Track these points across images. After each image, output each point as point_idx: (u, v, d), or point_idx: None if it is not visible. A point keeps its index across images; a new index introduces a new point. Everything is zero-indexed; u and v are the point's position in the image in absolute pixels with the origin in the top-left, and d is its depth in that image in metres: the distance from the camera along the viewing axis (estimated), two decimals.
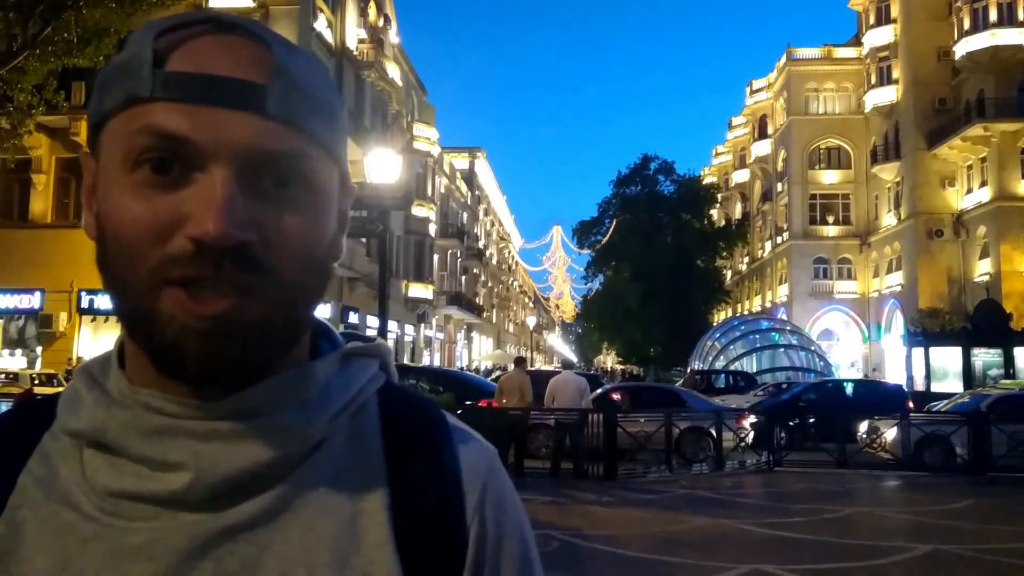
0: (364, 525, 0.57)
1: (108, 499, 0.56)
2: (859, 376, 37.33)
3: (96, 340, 22.97)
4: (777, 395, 20.02)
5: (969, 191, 37.36)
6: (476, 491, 0.62)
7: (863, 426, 14.25)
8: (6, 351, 23.59)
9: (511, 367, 14.34)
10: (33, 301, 22.72)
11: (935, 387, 25.14)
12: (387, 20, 34.96)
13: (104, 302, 22.37)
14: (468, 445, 0.64)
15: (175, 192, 0.53)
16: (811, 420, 14.83)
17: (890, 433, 13.60)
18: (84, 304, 22.60)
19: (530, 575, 0.63)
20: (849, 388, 19.40)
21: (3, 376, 19.57)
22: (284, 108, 0.55)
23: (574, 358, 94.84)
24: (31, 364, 22.69)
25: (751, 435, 13.62)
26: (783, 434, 14.33)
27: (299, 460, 0.58)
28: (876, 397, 17.40)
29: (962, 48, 36.31)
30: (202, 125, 0.52)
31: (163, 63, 0.53)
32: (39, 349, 22.95)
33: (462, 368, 40.73)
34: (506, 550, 0.62)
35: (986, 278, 34.38)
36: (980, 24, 35.57)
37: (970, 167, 37.31)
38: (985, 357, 26.09)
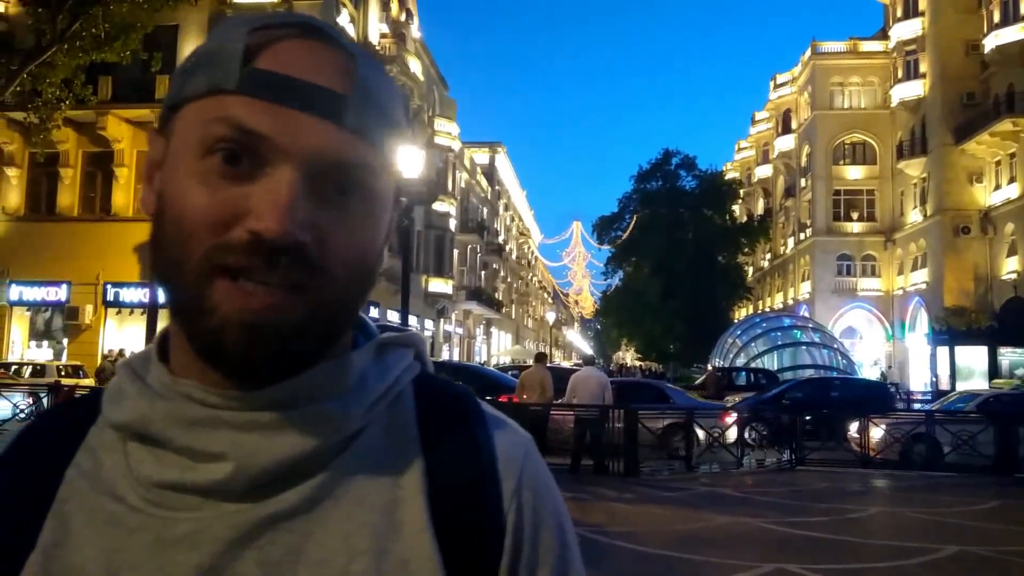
0: (403, 512, 0.58)
1: (153, 490, 0.57)
2: (877, 375, 36.94)
3: (121, 332, 23.28)
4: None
5: (997, 187, 36.79)
6: (513, 477, 0.62)
7: (854, 425, 13.89)
8: (33, 343, 23.99)
9: (530, 362, 14.34)
10: (60, 294, 23.05)
11: (960, 386, 24.82)
12: (409, 14, 35.03)
13: (129, 295, 22.67)
14: (504, 432, 0.64)
15: (242, 185, 0.54)
16: (808, 418, 14.23)
17: (876, 431, 13.30)
18: (110, 297, 22.90)
19: (568, 560, 0.63)
20: (835, 386, 19.15)
21: (29, 367, 19.91)
22: (360, 121, 0.56)
23: (591, 353, 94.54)
24: (57, 356, 23.05)
25: (734, 432, 13.26)
26: (765, 432, 13.72)
27: (338, 449, 0.59)
28: (862, 395, 17.15)
29: (992, 41, 35.71)
30: (280, 125, 0.54)
31: (251, 59, 0.55)
32: (65, 341, 23.31)
33: (482, 363, 40.83)
34: (543, 536, 0.62)
35: (1013, 276, 33.84)
36: (1011, 17, 34.94)
37: (998, 163, 36.72)
38: (1012, 356, 25.75)
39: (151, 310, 10.47)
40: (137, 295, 22.24)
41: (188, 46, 23.83)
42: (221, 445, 0.56)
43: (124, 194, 23.60)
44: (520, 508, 0.61)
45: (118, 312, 23.25)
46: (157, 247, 0.57)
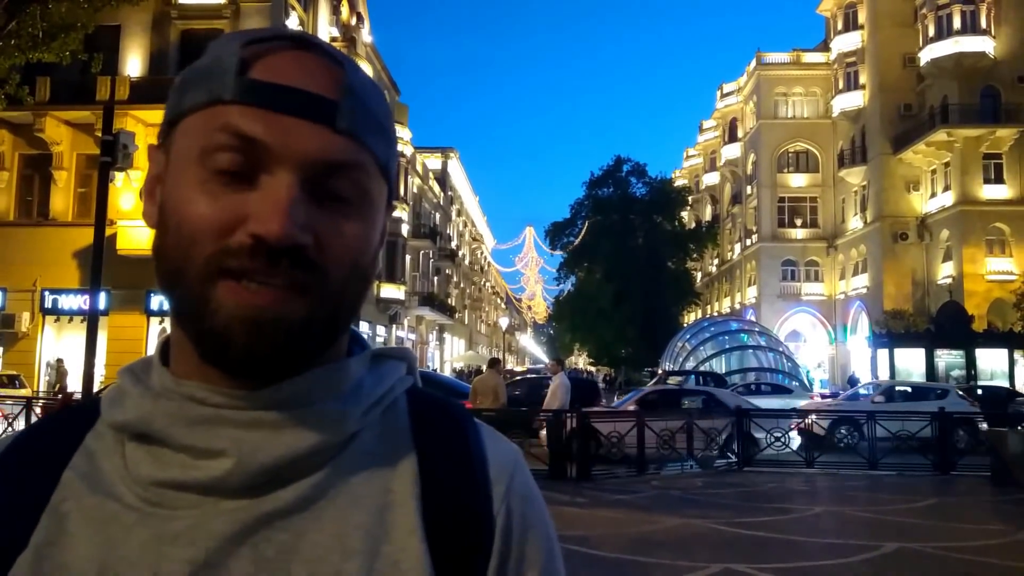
0: (394, 514, 0.60)
1: (151, 489, 0.58)
2: (817, 376, 37.81)
3: (60, 341, 22.50)
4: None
5: (933, 195, 38.16)
6: (503, 483, 0.64)
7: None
8: None
9: (484, 368, 14.26)
10: None
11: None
12: (360, 18, 34.76)
13: (68, 302, 21.93)
14: (494, 441, 0.67)
15: (242, 192, 0.56)
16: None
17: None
18: (48, 304, 22.12)
19: (554, 567, 0.66)
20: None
21: None
22: (351, 124, 0.59)
23: (545, 359, 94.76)
24: None
25: None
26: None
27: (335, 450, 0.60)
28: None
29: (927, 55, 37.08)
30: (275, 131, 0.56)
31: (246, 70, 0.58)
32: (0, 350, 22.42)
33: (434, 370, 40.63)
34: (531, 541, 0.64)
35: (949, 280, 35.13)
36: (944, 31, 36.34)
37: (934, 172, 38.10)
38: (948, 358, 26.64)
39: (91, 317, 10.16)
40: (76, 302, 21.50)
41: (130, 47, 23.25)
42: (222, 442, 0.57)
43: (63, 198, 22.85)
44: (509, 513, 0.63)
45: (56, 320, 22.47)
46: (160, 256, 0.59)
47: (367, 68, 32.84)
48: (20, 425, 13.19)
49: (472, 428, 0.67)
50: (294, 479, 0.58)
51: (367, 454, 0.62)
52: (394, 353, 0.69)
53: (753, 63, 50.63)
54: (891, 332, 29.94)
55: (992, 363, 26.15)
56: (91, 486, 0.59)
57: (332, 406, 0.60)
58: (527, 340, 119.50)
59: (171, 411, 0.59)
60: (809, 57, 49.36)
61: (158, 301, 21.53)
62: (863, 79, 42.92)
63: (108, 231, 11.75)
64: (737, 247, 54.91)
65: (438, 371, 34.34)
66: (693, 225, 54.62)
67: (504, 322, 58.12)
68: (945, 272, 36.10)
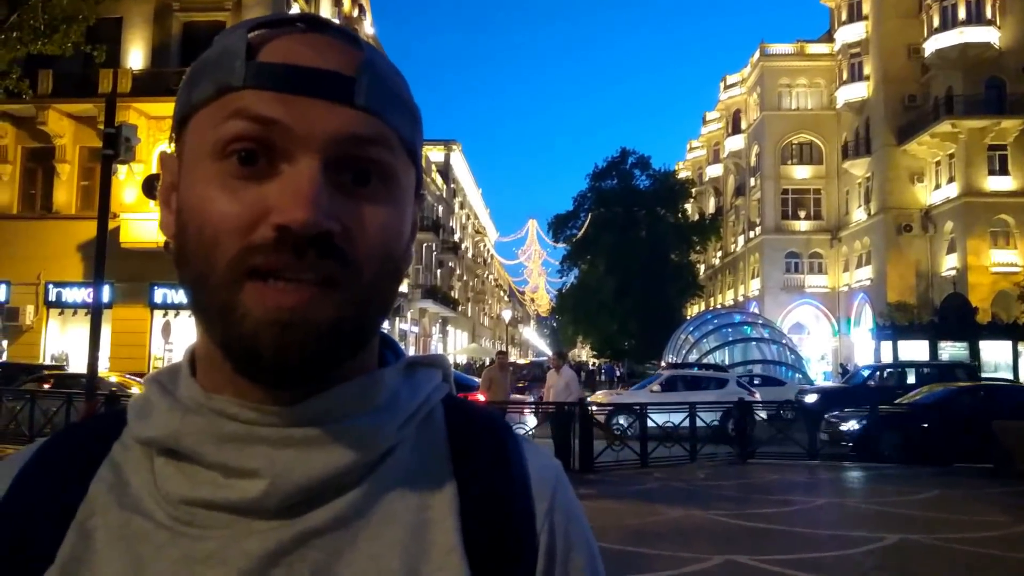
0: (433, 532, 0.57)
1: (181, 507, 0.56)
2: (823, 369, 37.72)
3: (65, 334, 22.58)
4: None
5: (937, 187, 38.03)
6: (546, 499, 0.61)
7: None
8: None
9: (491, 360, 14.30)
10: None
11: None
12: (362, 10, 34.67)
13: (72, 295, 22.00)
14: (535, 455, 0.64)
15: (261, 184, 0.53)
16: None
17: None
18: (52, 297, 22.20)
19: None
20: None
21: None
22: (370, 100, 0.55)
23: (548, 351, 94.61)
24: None
25: None
26: None
27: (370, 467, 0.58)
28: None
29: (931, 45, 36.90)
30: (292, 112, 0.53)
31: (255, 55, 0.54)
32: (4, 343, 22.49)
33: None
34: (575, 560, 0.61)
35: (953, 272, 35.04)
36: (949, 22, 36.15)
37: (938, 163, 37.97)
38: (952, 350, 26.59)
39: (95, 311, 10.19)
40: (80, 295, 21.57)
41: (132, 39, 23.22)
42: (256, 462, 0.55)
43: (66, 191, 22.89)
44: (552, 531, 0.60)
45: (60, 313, 22.54)
46: (183, 263, 0.56)
47: None
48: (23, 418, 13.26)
49: (512, 441, 0.64)
50: (329, 498, 0.56)
51: (404, 470, 0.59)
52: (428, 361, 0.67)
53: (757, 54, 50.43)
54: (895, 324, 29.89)
55: (996, 355, 26.10)
56: (119, 501, 0.57)
57: (367, 421, 0.57)
58: (530, 333, 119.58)
59: (201, 427, 0.56)
60: (813, 48, 49.13)
61: (161, 294, 21.60)
62: (867, 70, 42.72)
63: (111, 224, 11.78)
64: (740, 239, 54.82)
65: None
66: (696, 217, 54.35)
67: (507, 315, 58.13)
68: (949, 264, 36.01)
